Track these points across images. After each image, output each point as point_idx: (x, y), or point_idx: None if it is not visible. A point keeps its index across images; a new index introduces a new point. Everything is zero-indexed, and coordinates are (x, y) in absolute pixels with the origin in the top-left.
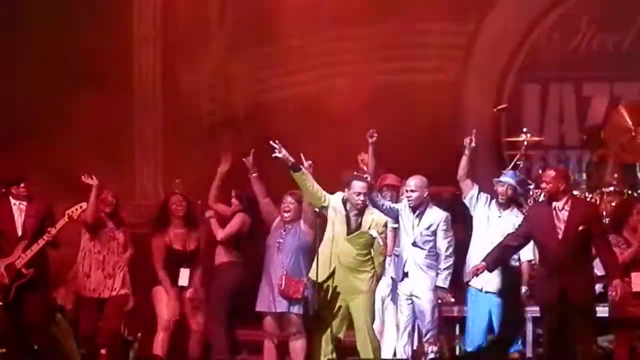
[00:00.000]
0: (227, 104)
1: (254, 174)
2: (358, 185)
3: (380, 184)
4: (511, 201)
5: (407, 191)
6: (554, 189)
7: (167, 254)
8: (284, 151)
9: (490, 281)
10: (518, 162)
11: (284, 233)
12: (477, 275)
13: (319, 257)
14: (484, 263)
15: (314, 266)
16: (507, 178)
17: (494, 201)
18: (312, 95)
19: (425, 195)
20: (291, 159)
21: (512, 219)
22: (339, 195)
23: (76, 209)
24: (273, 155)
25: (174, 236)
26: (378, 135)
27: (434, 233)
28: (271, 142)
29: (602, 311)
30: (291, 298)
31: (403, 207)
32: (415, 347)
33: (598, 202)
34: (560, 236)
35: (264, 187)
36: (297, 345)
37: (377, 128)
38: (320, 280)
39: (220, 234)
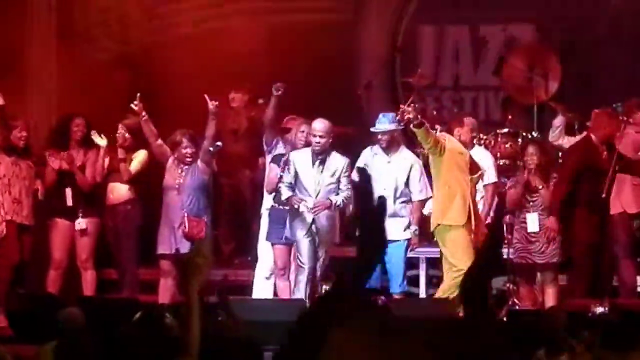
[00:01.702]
0: (123, 41)
1: (143, 117)
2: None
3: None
4: (397, 143)
5: (314, 136)
6: None
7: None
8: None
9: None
10: (413, 103)
11: (181, 173)
12: None
13: None
14: None
15: None
16: (381, 125)
17: (378, 149)
18: (208, 34)
19: (330, 141)
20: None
21: (402, 162)
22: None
23: None
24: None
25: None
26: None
27: (338, 180)
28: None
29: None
30: (195, 238)
31: (304, 153)
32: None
33: (493, 143)
34: None
35: (154, 128)
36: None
37: (273, 67)
38: None
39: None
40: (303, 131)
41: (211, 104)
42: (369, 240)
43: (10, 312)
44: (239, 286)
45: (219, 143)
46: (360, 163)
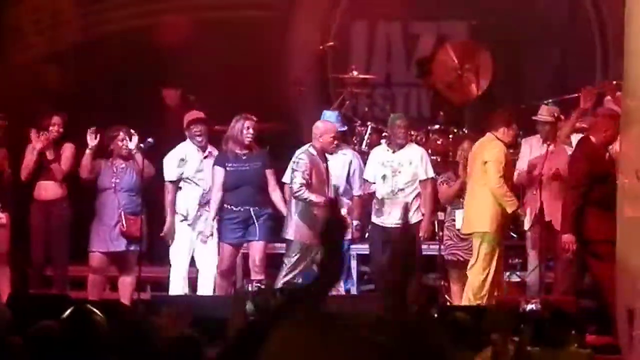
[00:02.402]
0: (54, 38)
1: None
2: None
3: (187, 120)
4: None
5: (332, 137)
6: None
7: None
8: None
9: None
10: (345, 100)
11: (117, 173)
12: None
13: None
14: None
15: None
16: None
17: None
18: (140, 31)
19: None
20: None
21: (341, 157)
22: None
23: None
24: None
25: None
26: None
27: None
28: None
29: (430, 250)
30: (132, 236)
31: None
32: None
33: (424, 140)
34: None
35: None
36: (127, 281)
37: (204, 64)
38: None
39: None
40: (249, 127)
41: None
42: (329, 261)
43: None
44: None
45: (150, 140)
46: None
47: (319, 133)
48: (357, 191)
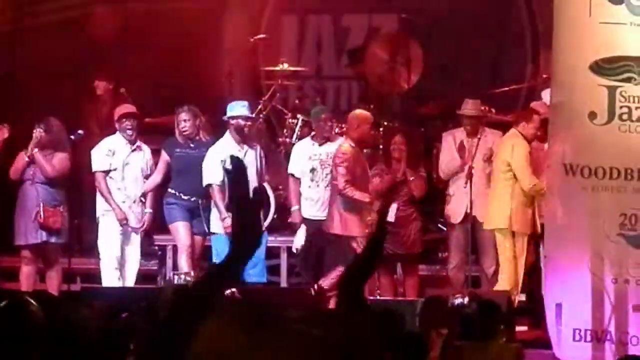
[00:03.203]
0: None
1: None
2: None
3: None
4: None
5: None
6: None
7: None
8: None
9: None
10: (276, 92)
11: (32, 166)
12: None
13: None
14: None
15: None
16: (245, 110)
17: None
18: (70, 22)
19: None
20: None
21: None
22: None
23: None
24: None
25: None
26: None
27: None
28: None
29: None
30: (51, 229)
31: None
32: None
33: None
34: None
35: None
36: (51, 274)
37: (135, 56)
38: None
39: None
40: (185, 120)
41: None
42: (242, 231)
43: None
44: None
45: (80, 131)
46: (221, 157)
47: (355, 123)
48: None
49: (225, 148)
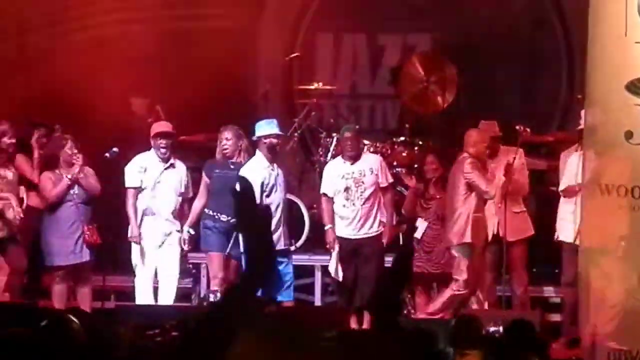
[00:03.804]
0: (20, 46)
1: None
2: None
3: (154, 131)
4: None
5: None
6: None
7: None
8: None
9: None
10: (310, 111)
11: (72, 186)
12: None
13: None
14: None
15: None
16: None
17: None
18: (107, 39)
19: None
20: None
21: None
22: None
23: None
24: None
25: None
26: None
27: None
28: None
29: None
30: (94, 246)
31: None
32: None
33: (389, 152)
34: None
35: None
36: (86, 291)
37: (170, 74)
38: None
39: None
40: (228, 138)
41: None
42: (254, 249)
43: None
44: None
45: (115, 149)
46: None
47: (472, 141)
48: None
49: (257, 168)
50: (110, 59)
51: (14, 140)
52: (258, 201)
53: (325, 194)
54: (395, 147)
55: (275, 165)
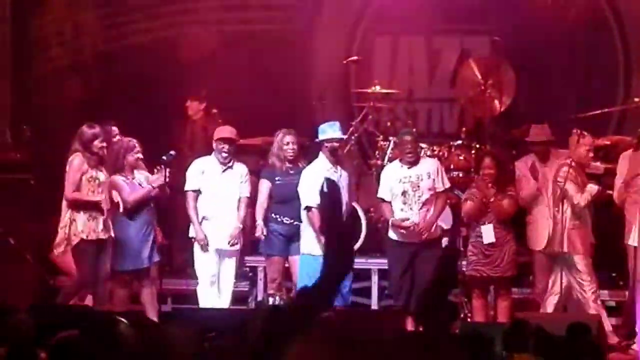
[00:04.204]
0: (76, 49)
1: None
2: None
3: (218, 136)
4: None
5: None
6: None
7: None
8: None
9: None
10: (367, 114)
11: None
12: None
13: None
14: None
15: None
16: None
17: (327, 165)
18: (163, 43)
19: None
20: None
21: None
22: None
23: None
24: None
25: None
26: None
27: None
28: None
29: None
30: (163, 246)
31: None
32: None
33: (446, 155)
34: None
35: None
36: (154, 293)
37: (226, 77)
38: None
39: None
40: (289, 142)
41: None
42: (335, 255)
43: None
44: (191, 295)
45: (172, 152)
46: (319, 179)
47: (573, 145)
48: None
49: (320, 170)
50: (167, 62)
51: (105, 144)
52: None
53: (382, 199)
54: (452, 150)
55: (338, 167)
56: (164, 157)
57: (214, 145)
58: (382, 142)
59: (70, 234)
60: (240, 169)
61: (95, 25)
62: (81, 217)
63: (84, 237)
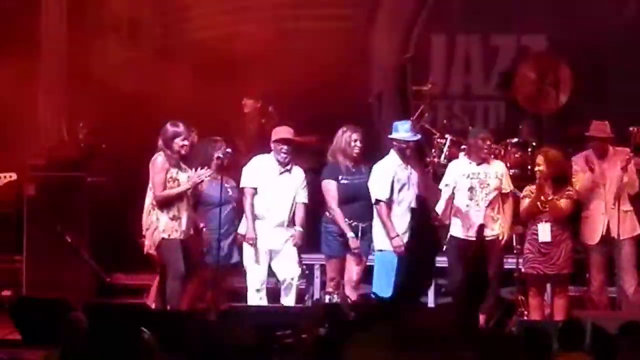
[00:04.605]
0: (133, 46)
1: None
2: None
3: (277, 136)
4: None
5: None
6: None
7: None
8: None
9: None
10: (424, 112)
11: (230, 187)
12: None
13: None
14: None
15: None
16: (410, 133)
17: (398, 161)
18: (220, 39)
19: None
20: None
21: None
22: None
23: (4, 176)
24: None
25: None
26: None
27: None
28: None
29: (507, 263)
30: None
31: None
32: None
33: (503, 153)
34: None
35: None
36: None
37: (283, 74)
38: None
39: None
40: (356, 140)
41: None
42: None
43: (17, 317)
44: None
45: (228, 150)
46: (389, 174)
47: None
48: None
49: (391, 166)
50: (223, 59)
51: (187, 143)
52: (389, 196)
53: (444, 187)
54: (509, 148)
55: (408, 165)
56: (220, 155)
57: (273, 146)
58: (438, 140)
59: (155, 234)
60: (298, 174)
61: (152, 21)
62: (164, 217)
63: (166, 237)
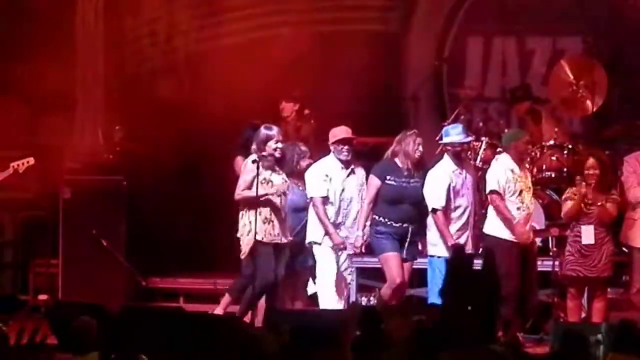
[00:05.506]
0: (168, 50)
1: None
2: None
3: (337, 137)
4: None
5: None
6: None
7: None
8: None
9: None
10: (460, 114)
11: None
12: None
13: None
14: None
15: None
16: (463, 135)
17: (452, 167)
18: (256, 43)
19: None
20: None
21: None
22: None
23: (22, 163)
24: None
25: None
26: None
27: None
28: None
29: (544, 265)
30: None
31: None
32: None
33: (538, 156)
34: None
35: None
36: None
37: (317, 79)
38: None
39: None
40: (419, 144)
41: None
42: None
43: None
44: None
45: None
46: (445, 181)
47: None
48: None
49: (446, 171)
50: (259, 63)
51: (280, 145)
52: (445, 204)
53: (496, 191)
54: (545, 151)
55: (463, 169)
56: (257, 159)
57: (332, 147)
58: (474, 143)
59: (248, 238)
60: (361, 172)
61: (189, 25)
62: (257, 220)
63: (259, 239)
